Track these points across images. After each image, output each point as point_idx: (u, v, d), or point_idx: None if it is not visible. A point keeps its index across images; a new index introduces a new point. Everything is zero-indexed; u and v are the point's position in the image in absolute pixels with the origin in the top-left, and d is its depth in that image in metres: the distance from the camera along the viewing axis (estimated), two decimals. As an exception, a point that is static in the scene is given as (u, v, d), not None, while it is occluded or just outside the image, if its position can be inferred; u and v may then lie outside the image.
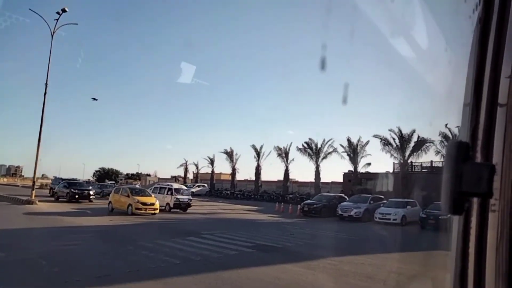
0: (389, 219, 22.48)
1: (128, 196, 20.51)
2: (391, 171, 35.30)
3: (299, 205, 27.68)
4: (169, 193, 23.85)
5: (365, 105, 54.29)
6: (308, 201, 27.99)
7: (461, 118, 0.94)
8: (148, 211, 19.83)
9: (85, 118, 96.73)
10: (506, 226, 0.76)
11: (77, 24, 26.26)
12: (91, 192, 27.60)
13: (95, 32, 75.62)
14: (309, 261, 9.80)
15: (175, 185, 26.24)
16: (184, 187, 27.42)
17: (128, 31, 74.42)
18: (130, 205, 19.83)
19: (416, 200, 28.19)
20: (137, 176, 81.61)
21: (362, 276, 8.41)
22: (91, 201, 26.48)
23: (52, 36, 25.08)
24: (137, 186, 45.49)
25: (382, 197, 27.13)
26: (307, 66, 59.33)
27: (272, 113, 77.62)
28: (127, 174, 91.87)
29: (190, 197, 24.80)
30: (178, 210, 23.27)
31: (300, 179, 45.22)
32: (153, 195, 22.05)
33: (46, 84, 25.29)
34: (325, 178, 40.44)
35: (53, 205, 23.85)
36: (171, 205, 23.30)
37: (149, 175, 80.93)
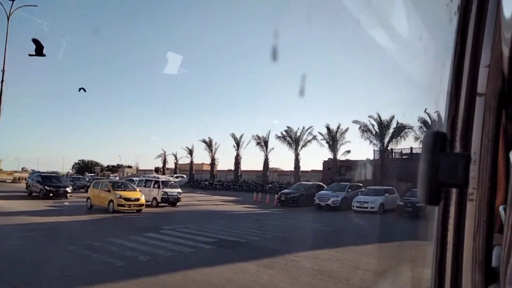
0: (367, 208, 21.92)
1: (108, 191, 18.17)
2: (371, 158, 34.91)
3: (276, 195, 26.94)
4: (155, 186, 21.85)
5: (346, 94, 53.95)
6: (285, 190, 27.23)
7: (440, 107, 0.91)
8: (132, 208, 17.70)
9: (66, 110, 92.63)
10: (483, 215, 0.78)
11: (36, 6, 24.13)
12: (68, 189, 24.40)
13: (78, 22, 72.38)
14: (271, 258, 8.92)
15: (163, 178, 24.03)
16: (172, 179, 25.37)
17: (112, 22, 71.35)
18: (111, 201, 17.59)
19: (396, 187, 27.84)
20: (117, 168, 79.38)
21: (325, 274, 7.58)
22: (67, 198, 23.69)
23: (8, 18, 23.27)
24: (115, 178, 44.03)
25: (361, 185, 26.59)
26: (290, 55, 58.45)
27: (256, 103, 76.33)
28: (108, 166, 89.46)
29: (180, 190, 22.78)
30: (166, 205, 21.45)
31: (281, 168, 44.51)
32: (138, 189, 19.92)
33: (3, 71, 23.53)
34: (305, 166, 39.82)
35: (22, 202, 20.58)
36: (159, 200, 21.38)
37: (130, 167, 78.86)
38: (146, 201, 19.90)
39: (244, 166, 46.53)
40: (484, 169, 0.78)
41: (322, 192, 24.76)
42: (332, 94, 55.95)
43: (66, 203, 20.89)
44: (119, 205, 17.32)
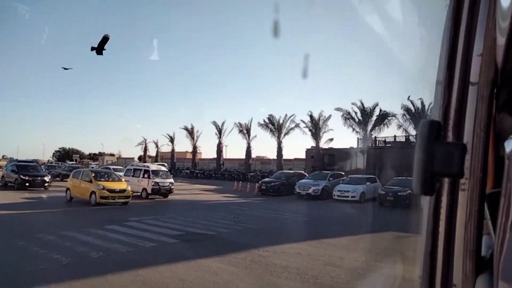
0: (348, 197, 21.51)
1: (90, 181, 16.31)
2: (355, 146, 34.52)
3: (257, 184, 26.33)
4: (145, 176, 19.76)
5: (336, 81, 53.27)
6: (266, 179, 26.63)
7: (434, 96, 0.90)
8: (117, 200, 16.00)
9: (47, 96, 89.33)
10: (474, 205, 0.79)
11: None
12: (47, 179, 22.53)
13: (61, 10, 69.33)
14: (237, 253, 8.24)
15: (153, 166, 21.93)
16: (164, 168, 22.99)
17: (98, 6, 68.61)
18: (93, 193, 15.82)
19: (380, 175, 27.53)
20: (99, 156, 77.40)
21: (292, 272, 6.93)
22: (46, 188, 21.82)
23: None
24: (95, 167, 42.70)
25: (343, 173, 26.19)
26: (276, 42, 57.39)
27: (243, 90, 75.15)
28: (90, 154, 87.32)
29: (172, 181, 20.79)
30: (157, 197, 19.78)
31: (267, 156, 43.90)
32: (124, 179, 18.17)
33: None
34: (289, 155, 39.32)
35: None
36: (149, 191, 19.46)
37: (112, 155, 76.99)
38: (135, 192, 18.57)
39: (228, 155, 45.87)
40: (476, 159, 0.78)
41: (302, 181, 24.23)
42: (324, 82, 55.18)
43: (43, 195, 19.18)
44: (102, 197, 15.61)
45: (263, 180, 26.31)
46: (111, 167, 35.13)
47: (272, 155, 39.18)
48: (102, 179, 16.82)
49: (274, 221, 13.75)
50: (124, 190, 16.40)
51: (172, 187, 20.58)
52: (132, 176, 20.51)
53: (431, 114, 0.98)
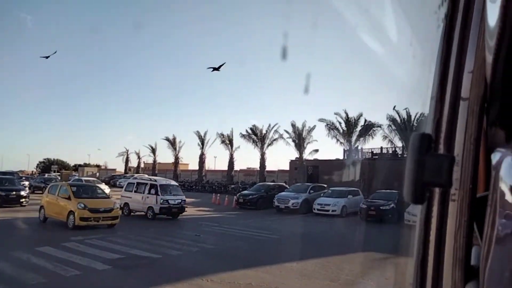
0: (328, 211, 20.18)
1: (68, 198, 13.07)
2: (341, 158, 33.34)
3: (235, 197, 24.87)
4: (152, 192, 16.50)
5: (328, 96, 52.45)
6: (245, 191, 25.18)
7: (427, 110, 0.94)
8: (102, 222, 12.89)
9: (31, 106, 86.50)
10: (464, 215, 0.81)
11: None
12: (24, 193, 19.28)
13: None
14: (174, 284, 6.82)
15: (161, 180, 18.44)
16: (173, 182, 19.57)
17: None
18: (71, 213, 12.59)
19: (365, 188, 26.30)
20: (79, 167, 74.79)
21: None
22: (22, 205, 18.56)
23: None
24: (76, 177, 40.80)
25: (325, 185, 24.90)
26: (267, 55, 56.71)
27: (234, 102, 74.07)
28: (75, 165, 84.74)
29: (184, 197, 17.56)
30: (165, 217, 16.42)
31: (252, 168, 42.45)
32: (112, 198, 15.11)
33: None
34: (273, 166, 38.03)
35: None
36: (156, 210, 16.06)
37: (98, 166, 74.71)
38: (138, 211, 16.50)
39: (217, 166, 44.42)
40: (466, 171, 0.81)
41: (282, 193, 22.85)
42: (313, 97, 54.41)
43: (18, 215, 15.81)
44: (82, 218, 12.42)
45: (241, 193, 24.87)
46: (83, 178, 33.55)
47: (252, 166, 37.88)
48: (84, 196, 13.67)
49: (239, 239, 12.31)
50: (110, 209, 13.20)
51: (185, 205, 17.34)
52: (135, 191, 17.24)
53: (422, 126, 1.02)
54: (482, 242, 0.73)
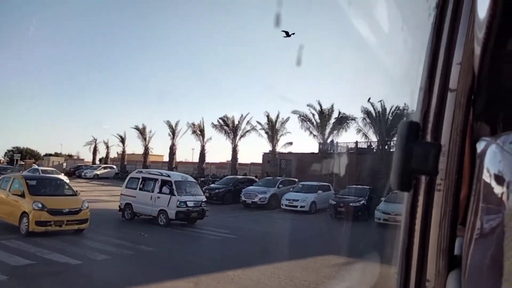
0: (296, 206, 19.09)
1: (22, 195, 10.33)
2: (316, 151, 32.38)
3: (201, 190, 23.50)
4: (164, 190, 13.32)
5: (315, 81, 51.28)
6: (211, 185, 23.83)
7: (416, 100, 0.94)
8: (66, 227, 10.16)
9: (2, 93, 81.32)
10: (449, 205, 0.82)
11: None
12: None
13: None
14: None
15: (176, 175, 15.02)
16: (190, 177, 15.93)
17: None
18: (25, 214, 9.88)
19: (338, 183, 25.41)
20: (45, 157, 71.01)
21: None
22: None
23: None
24: (37, 167, 38.29)
25: (295, 180, 23.80)
26: (236, 38, 54.86)
27: (208, 91, 71.90)
28: (46, 155, 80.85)
29: (204, 198, 14.44)
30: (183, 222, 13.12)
31: (220, 160, 41.06)
32: (79, 196, 11.45)
33: None
34: (246, 159, 36.73)
35: None
36: (171, 215, 12.72)
37: (70, 156, 71.41)
38: (146, 215, 13.33)
39: (189, 158, 42.82)
40: (451, 161, 0.81)
41: (249, 188, 21.62)
42: (299, 83, 53.01)
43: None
44: (38, 222, 9.71)
45: (206, 187, 23.50)
46: (40, 168, 31.26)
47: (225, 158, 36.54)
48: (44, 192, 10.72)
49: (187, 240, 11.00)
50: (77, 211, 10.31)
51: (206, 207, 13.91)
52: (141, 189, 13.86)
53: (399, 120, 0.96)
54: (465, 230, 0.73)
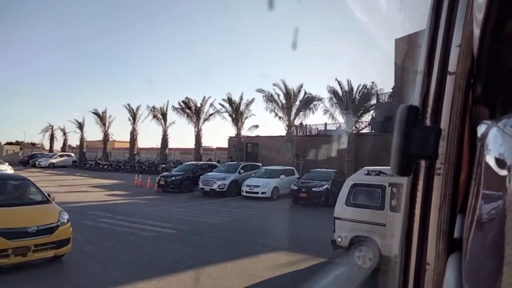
0: (257, 193, 17.75)
1: None
2: (284, 135, 31.03)
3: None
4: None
5: (311, 61, 49.82)
6: (166, 173, 22.10)
7: (415, 84, 0.93)
8: (34, 256, 6.40)
9: None
10: (449, 189, 0.82)
11: None
12: None
13: None
14: None
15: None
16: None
17: None
18: None
19: (306, 167, 24.22)
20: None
21: None
22: None
23: None
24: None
25: (259, 164, 22.43)
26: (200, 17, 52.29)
27: (171, 74, 68.92)
28: (7, 143, 75.77)
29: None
30: None
31: (187, 145, 39.21)
32: (53, 202, 7.52)
33: None
34: (213, 143, 35.10)
35: None
36: None
37: (33, 144, 66.98)
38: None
39: (154, 144, 40.66)
40: (451, 145, 0.81)
41: (208, 174, 20.06)
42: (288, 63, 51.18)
43: None
44: None
45: (162, 174, 21.76)
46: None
47: (188, 144, 34.74)
48: None
49: (120, 236, 9.34)
50: (51, 228, 6.70)
51: None
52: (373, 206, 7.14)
53: (411, 101, 0.96)
54: (466, 213, 0.73)
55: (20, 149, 51.18)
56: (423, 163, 0.83)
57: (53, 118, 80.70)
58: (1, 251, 6.06)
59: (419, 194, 0.85)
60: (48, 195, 7.62)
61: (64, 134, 45.03)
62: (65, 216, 7.06)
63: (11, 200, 7.25)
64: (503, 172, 0.47)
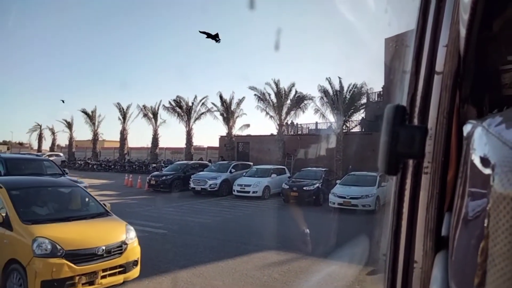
0: (249, 192, 17.75)
1: (2, 223, 5.20)
2: (275, 133, 31.05)
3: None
4: None
5: (298, 60, 49.94)
6: (156, 172, 21.98)
7: (403, 84, 0.94)
8: (102, 282, 5.15)
9: None
10: (436, 187, 0.83)
11: None
12: None
13: None
14: None
15: None
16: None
17: None
18: (14, 265, 4.92)
19: (297, 166, 24.31)
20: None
21: None
22: None
23: None
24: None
25: (250, 163, 22.45)
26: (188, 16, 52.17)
27: (161, 73, 68.50)
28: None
29: None
30: None
31: (178, 145, 39.02)
32: (115, 216, 6.24)
33: None
34: (204, 142, 34.98)
35: None
36: None
37: (21, 144, 65.78)
38: None
39: (144, 143, 40.36)
40: (438, 144, 0.81)
41: (199, 173, 19.99)
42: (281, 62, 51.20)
43: None
44: (48, 284, 4.69)
45: (153, 173, 21.63)
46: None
47: (180, 143, 34.51)
48: (46, 213, 5.76)
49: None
50: (120, 247, 5.45)
51: None
52: None
53: (398, 101, 0.98)
54: (452, 212, 0.74)
55: (8, 149, 50.46)
56: (410, 162, 0.84)
57: (41, 118, 79.36)
58: (68, 279, 4.79)
59: (407, 193, 0.85)
60: (104, 204, 6.42)
61: (53, 133, 44.42)
62: (133, 233, 5.78)
63: (67, 213, 5.88)
64: (487, 171, 0.48)
